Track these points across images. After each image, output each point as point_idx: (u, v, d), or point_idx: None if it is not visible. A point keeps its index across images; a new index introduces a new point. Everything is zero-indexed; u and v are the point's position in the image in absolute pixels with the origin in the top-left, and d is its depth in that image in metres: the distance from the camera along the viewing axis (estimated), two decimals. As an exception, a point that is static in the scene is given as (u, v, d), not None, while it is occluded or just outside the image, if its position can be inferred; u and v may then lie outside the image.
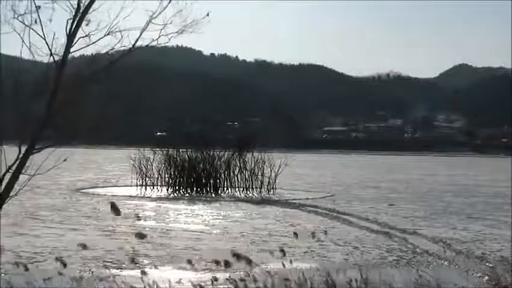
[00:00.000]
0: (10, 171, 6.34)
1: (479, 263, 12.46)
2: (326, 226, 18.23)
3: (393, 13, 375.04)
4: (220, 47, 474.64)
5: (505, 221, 20.22)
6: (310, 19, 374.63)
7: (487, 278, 9.08)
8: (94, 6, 6.68)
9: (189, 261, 5.73)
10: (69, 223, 17.85)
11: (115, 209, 5.04)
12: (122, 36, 6.74)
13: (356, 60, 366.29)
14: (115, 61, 6.96)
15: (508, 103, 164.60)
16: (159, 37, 6.99)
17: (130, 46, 6.86)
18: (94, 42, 6.74)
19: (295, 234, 6.98)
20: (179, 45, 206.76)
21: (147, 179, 32.57)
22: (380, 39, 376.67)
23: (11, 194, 6.37)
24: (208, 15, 7.18)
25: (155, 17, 6.92)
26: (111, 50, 6.83)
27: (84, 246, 5.32)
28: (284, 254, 6.03)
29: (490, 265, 12.00)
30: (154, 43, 7.06)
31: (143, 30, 6.87)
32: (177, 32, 7.09)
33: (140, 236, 5.17)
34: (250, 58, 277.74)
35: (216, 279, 5.57)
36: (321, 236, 14.95)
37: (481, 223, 19.69)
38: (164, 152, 32.93)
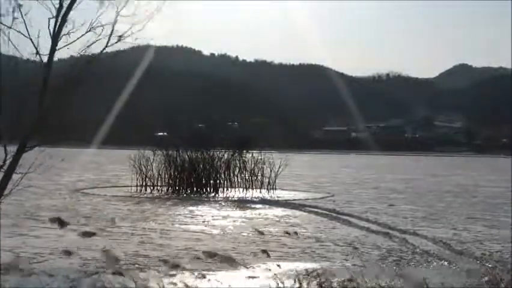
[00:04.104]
0: (2, 170, 6.31)
1: (479, 264, 12.46)
2: (326, 226, 18.23)
3: (393, 13, 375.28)
4: (220, 47, 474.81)
5: (505, 221, 20.22)
6: (310, 19, 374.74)
7: (486, 278, 9.07)
8: (75, 6, 6.66)
9: (188, 262, 5.73)
10: (69, 223, 17.81)
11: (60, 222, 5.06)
12: (102, 31, 6.73)
13: (356, 60, 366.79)
14: (93, 60, 6.94)
15: (507, 103, 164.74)
16: (128, 30, 6.98)
17: (114, 43, 6.86)
18: (76, 39, 6.71)
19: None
20: (179, 45, 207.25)
21: (147, 179, 32.55)
22: (380, 38, 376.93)
23: (5, 193, 6.34)
24: (161, 6, 7.18)
25: (121, 10, 6.92)
26: (91, 45, 6.82)
27: (68, 253, 5.31)
28: (275, 255, 6.03)
29: (490, 266, 12.00)
30: (129, 39, 7.05)
31: (114, 23, 6.85)
32: (147, 19, 7.07)
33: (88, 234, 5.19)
34: (250, 58, 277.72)
35: (214, 279, 5.57)
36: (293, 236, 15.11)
37: (481, 223, 19.67)
38: (164, 152, 32.92)
